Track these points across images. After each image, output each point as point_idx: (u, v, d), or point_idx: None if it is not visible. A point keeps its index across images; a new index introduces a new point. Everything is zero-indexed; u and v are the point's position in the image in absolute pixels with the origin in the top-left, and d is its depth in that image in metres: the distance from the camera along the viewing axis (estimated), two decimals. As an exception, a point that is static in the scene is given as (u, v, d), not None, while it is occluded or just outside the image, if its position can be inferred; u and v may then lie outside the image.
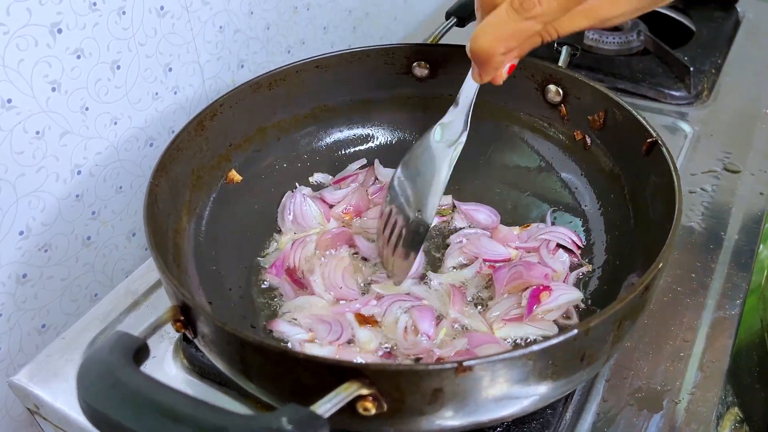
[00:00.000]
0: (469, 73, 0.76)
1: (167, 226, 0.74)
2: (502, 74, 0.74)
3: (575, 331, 0.53)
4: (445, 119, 0.81)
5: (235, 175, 0.90)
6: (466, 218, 0.91)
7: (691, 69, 1.18)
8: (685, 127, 1.13)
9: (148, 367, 0.78)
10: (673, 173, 0.68)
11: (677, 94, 1.19)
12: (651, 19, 1.34)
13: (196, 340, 0.61)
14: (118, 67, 0.89)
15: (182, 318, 0.58)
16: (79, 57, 0.83)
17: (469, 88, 0.79)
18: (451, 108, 0.80)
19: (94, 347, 0.51)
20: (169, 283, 0.59)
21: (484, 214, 0.91)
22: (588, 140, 0.88)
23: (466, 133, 0.80)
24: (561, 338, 0.53)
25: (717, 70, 1.27)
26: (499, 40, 0.65)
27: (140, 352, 0.51)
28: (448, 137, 0.80)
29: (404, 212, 0.79)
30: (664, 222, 0.66)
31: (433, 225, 0.87)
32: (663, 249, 0.60)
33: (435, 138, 0.80)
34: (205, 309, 0.56)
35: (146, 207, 0.68)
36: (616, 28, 1.32)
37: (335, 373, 0.51)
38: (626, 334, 0.60)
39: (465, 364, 0.50)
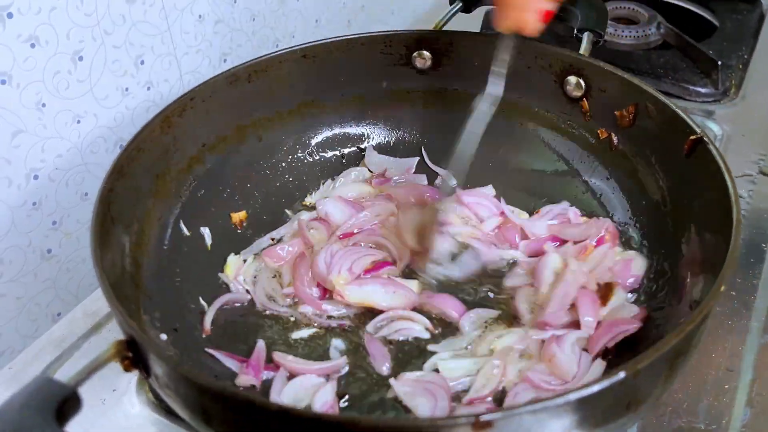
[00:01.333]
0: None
1: (125, 237, 0.65)
2: (531, 18, 0.65)
3: (622, 374, 0.43)
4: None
5: (242, 216, 0.83)
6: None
7: (719, 63, 1.08)
8: (713, 126, 1.05)
9: (107, 404, 0.69)
10: (726, 176, 0.59)
11: (703, 90, 1.11)
12: (668, 12, 1.26)
13: (150, 381, 0.50)
14: (81, 59, 0.82)
15: (130, 355, 0.47)
16: (33, 46, 0.76)
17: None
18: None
19: (7, 399, 0.40)
20: (116, 312, 0.48)
21: (485, 207, 0.83)
22: (615, 139, 0.80)
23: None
24: (605, 384, 0.42)
25: (744, 66, 1.19)
26: None
27: (66, 404, 0.41)
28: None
29: None
30: (715, 234, 0.57)
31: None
32: (723, 267, 0.50)
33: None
34: (156, 344, 0.45)
35: (95, 217, 0.58)
36: (631, 21, 1.24)
37: (316, 429, 0.40)
38: (679, 373, 0.50)
39: (483, 419, 0.39)
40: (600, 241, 0.76)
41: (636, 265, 0.74)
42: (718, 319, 0.76)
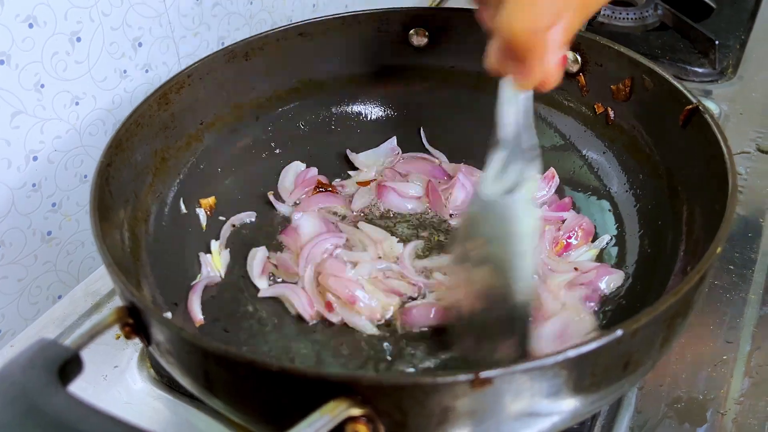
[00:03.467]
0: (503, 90, 0.59)
1: (123, 213, 0.65)
2: (553, 69, 0.55)
3: (620, 332, 0.43)
4: (493, 165, 0.62)
5: (211, 202, 0.81)
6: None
7: (717, 43, 1.09)
8: (711, 105, 1.05)
9: (108, 380, 0.69)
10: (722, 142, 0.58)
11: (701, 70, 1.12)
12: (667, -7, 1.26)
13: (150, 349, 0.50)
14: (79, 40, 0.81)
15: (131, 321, 0.47)
16: (31, 26, 0.76)
17: (513, 106, 0.60)
18: (498, 147, 0.62)
19: (9, 361, 0.40)
20: (115, 279, 0.48)
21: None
22: (611, 113, 0.80)
23: (534, 169, 0.61)
24: (602, 341, 0.42)
25: (741, 46, 1.20)
26: (542, 10, 0.51)
27: (68, 366, 0.41)
28: (507, 184, 0.61)
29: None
30: (712, 201, 0.57)
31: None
32: (720, 229, 0.50)
33: (488, 194, 0.62)
34: (157, 310, 0.45)
35: (94, 189, 0.58)
36: (629, 4, 1.23)
37: (318, 388, 0.41)
38: (677, 334, 0.50)
39: (483, 375, 0.40)
40: (571, 237, 0.76)
41: (612, 280, 0.71)
42: (717, 292, 0.76)
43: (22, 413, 0.36)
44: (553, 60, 0.54)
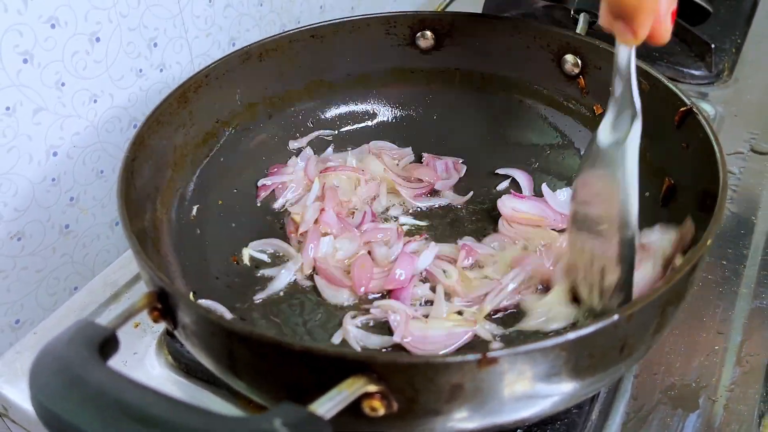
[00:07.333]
0: (617, 45, 0.62)
1: (146, 206, 0.68)
2: (665, 24, 0.58)
3: (616, 317, 0.46)
4: (607, 118, 0.65)
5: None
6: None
7: (713, 46, 1.11)
8: (707, 107, 1.08)
9: (128, 366, 0.72)
10: (714, 142, 0.61)
11: (697, 73, 1.14)
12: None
13: (176, 332, 0.53)
14: (98, 40, 0.83)
15: (160, 306, 0.51)
16: (53, 26, 0.78)
17: (622, 61, 0.62)
18: (610, 103, 0.65)
19: (52, 338, 0.44)
20: (144, 266, 0.51)
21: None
22: (610, 114, 0.81)
23: (639, 119, 0.62)
24: (600, 325, 0.45)
25: (737, 50, 1.22)
26: None
27: (107, 344, 0.44)
28: (617, 136, 0.64)
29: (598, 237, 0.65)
30: (704, 197, 0.60)
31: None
32: (710, 223, 0.53)
33: (602, 143, 0.65)
34: (185, 294, 0.48)
35: (120, 182, 0.61)
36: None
37: (337, 367, 0.44)
38: (669, 321, 0.53)
39: (489, 355, 0.43)
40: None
41: None
42: (710, 286, 0.79)
43: (67, 384, 0.39)
44: (664, 14, 0.57)
